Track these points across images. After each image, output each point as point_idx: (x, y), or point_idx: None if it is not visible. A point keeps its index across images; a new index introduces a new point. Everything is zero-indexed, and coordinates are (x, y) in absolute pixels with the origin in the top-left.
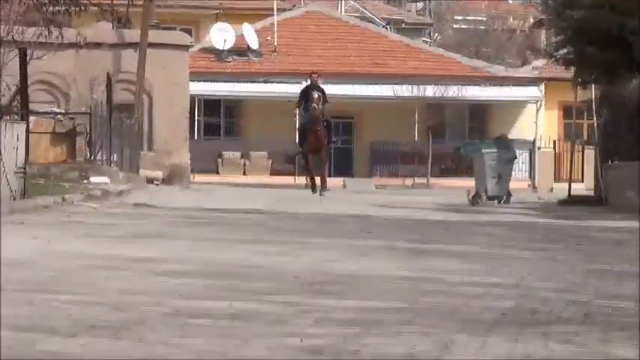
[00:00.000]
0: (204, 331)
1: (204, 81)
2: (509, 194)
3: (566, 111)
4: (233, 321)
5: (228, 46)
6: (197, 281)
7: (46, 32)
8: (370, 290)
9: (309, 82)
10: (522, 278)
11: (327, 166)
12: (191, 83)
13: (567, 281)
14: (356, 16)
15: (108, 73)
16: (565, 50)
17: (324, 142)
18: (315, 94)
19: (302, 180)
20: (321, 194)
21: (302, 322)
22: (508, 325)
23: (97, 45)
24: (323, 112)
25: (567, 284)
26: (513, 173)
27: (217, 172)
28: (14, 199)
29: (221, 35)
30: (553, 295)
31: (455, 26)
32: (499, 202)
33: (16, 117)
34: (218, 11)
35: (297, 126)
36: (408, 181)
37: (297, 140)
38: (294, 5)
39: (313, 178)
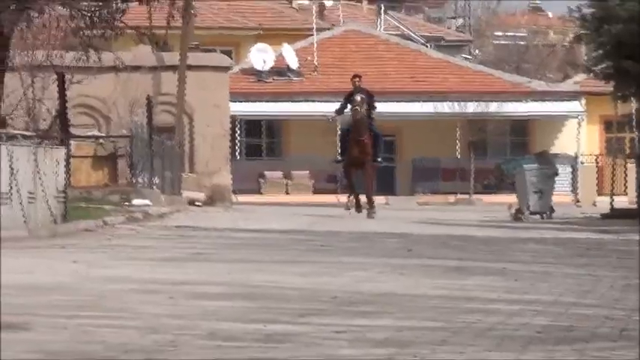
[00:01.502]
0: (237, 354)
1: (245, 101)
2: (551, 209)
3: (608, 125)
4: (267, 343)
5: (268, 66)
6: (233, 303)
7: (85, 57)
8: (407, 309)
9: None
10: (560, 294)
11: (372, 183)
12: (232, 104)
13: (606, 297)
14: (395, 34)
15: (148, 96)
16: (604, 65)
17: (369, 154)
18: (358, 97)
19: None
20: (368, 215)
21: (336, 343)
22: (543, 343)
23: (137, 68)
24: (369, 118)
25: (605, 300)
26: (556, 188)
27: (260, 192)
28: (55, 223)
29: (261, 56)
30: (590, 311)
31: (495, 42)
32: (541, 218)
33: (56, 141)
34: (258, 32)
35: (339, 132)
36: (451, 198)
37: (338, 149)
38: (334, 25)
39: (357, 197)
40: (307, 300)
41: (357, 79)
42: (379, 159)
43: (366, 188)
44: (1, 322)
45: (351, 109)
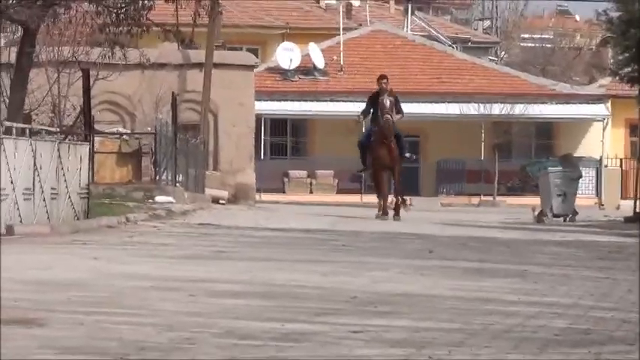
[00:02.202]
0: (253, 352)
1: (271, 100)
2: (574, 212)
3: (633, 128)
4: (284, 342)
5: (294, 65)
6: (252, 302)
7: (110, 53)
8: (425, 310)
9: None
10: (579, 297)
11: (400, 186)
12: (257, 103)
13: (624, 300)
14: (422, 35)
15: (173, 93)
16: (629, 68)
17: (398, 156)
18: (387, 101)
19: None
20: (394, 218)
21: (353, 343)
22: (560, 345)
23: (162, 65)
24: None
25: (624, 303)
26: (580, 191)
27: (284, 192)
28: (77, 219)
29: (287, 55)
30: (608, 314)
31: (521, 44)
32: (565, 220)
33: (79, 138)
34: (284, 31)
35: (360, 139)
36: (475, 200)
37: (360, 157)
38: (360, 25)
39: (386, 201)
40: (326, 299)
41: (384, 80)
42: (407, 154)
43: (395, 192)
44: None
45: (381, 115)
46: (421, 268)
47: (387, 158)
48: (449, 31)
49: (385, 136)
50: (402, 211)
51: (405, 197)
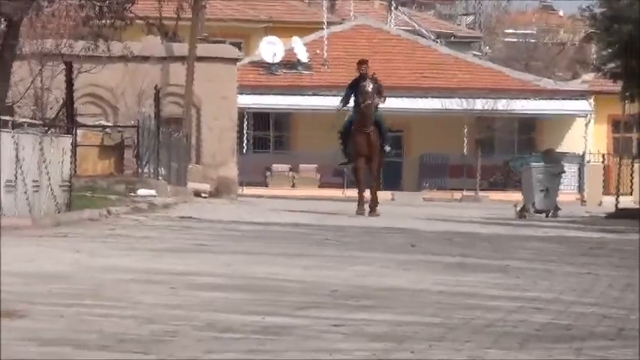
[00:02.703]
0: (234, 346)
1: (254, 94)
2: (557, 208)
3: (616, 124)
4: (264, 335)
5: (278, 59)
6: (233, 295)
7: (93, 46)
8: (406, 304)
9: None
10: (561, 292)
11: (379, 179)
12: (240, 96)
13: (605, 296)
14: (405, 30)
15: (156, 86)
16: (613, 64)
17: (377, 147)
18: (369, 87)
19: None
20: (370, 214)
21: (333, 336)
22: (541, 341)
23: (146, 58)
24: (376, 110)
25: (605, 299)
26: (562, 187)
27: (266, 186)
28: (59, 212)
29: (271, 48)
30: (589, 309)
31: (505, 40)
32: (547, 216)
33: (62, 130)
34: (268, 25)
35: (341, 128)
36: (457, 195)
37: (341, 146)
38: (344, 19)
39: (362, 195)
40: (307, 293)
41: (364, 65)
42: (387, 147)
43: (370, 185)
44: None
45: (362, 101)
46: (404, 262)
47: (365, 146)
48: (433, 26)
49: (364, 124)
50: (381, 205)
51: (377, 199)
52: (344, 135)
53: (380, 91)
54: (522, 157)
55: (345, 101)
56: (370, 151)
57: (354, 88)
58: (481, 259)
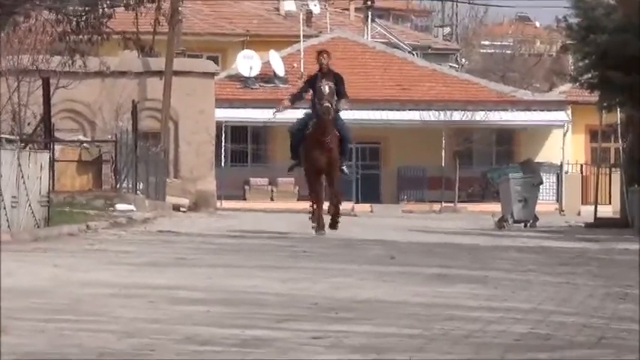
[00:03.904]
0: (214, 358)
1: (231, 108)
2: (535, 218)
3: (594, 134)
4: (244, 348)
5: (255, 72)
6: (213, 308)
7: (70, 61)
8: (386, 316)
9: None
10: (540, 302)
11: (339, 194)
12: (217, 110)
13: (585, 305)
14: (382, 42)
15: (133, 101)
16: (589, 75)
17: (337, 160)
18: (327, 87)
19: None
20: (331, 226)
21: (313, 349)
22: (521, 351)
23: (123, 73)
24: (336, 111)
25: (584, 308)
26: (541, 197)
27: (244, 199)
28: (38, 227)
29: (247, 62)
30: (569, 319)
31: (482, 51)
32: (525, 226)
33: (40, 146)
34: (244, 38)
35: (292, 127)
36: (436, 206)
37: (290, 149)
38: (321, 32)
39: (320, 211)
40: (286, 306)
41: (325, 55)
42: (344, 167)
43: (330, 201)
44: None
45: (318, 104)
46: (382, 274)
47: (322, 161)
48: (409, 39)
49: (323, 131)
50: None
51: (338, 215)
52: (294, 134)
53: (340, 90)
54: (500, 168)
55: (298, 98)
56: (328, 165)
57: (311, 84)
58: (460, 270)
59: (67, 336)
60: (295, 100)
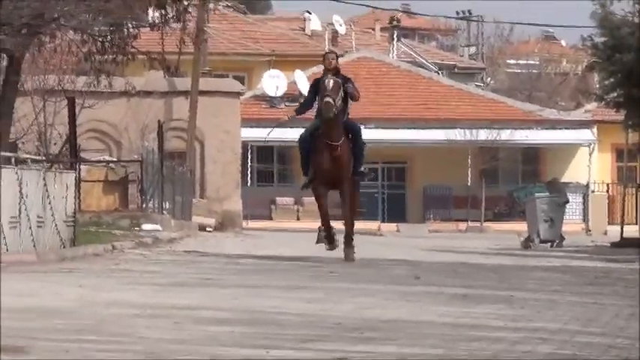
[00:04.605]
0: None
1: (257, 127)
2: (561, 238)
3: (620, 153)
4: None
5: (281, 92)
6: (237, 329)
7: (96, 81)
8: (411, 336)
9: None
10: (566, 322)
11: (355, 207)
12: (243, 130)
13: (611, 325)
14: (408, 62)
15: (159, 121)
16: (615, 93)
17: (348, 167)
18: (330, 82)
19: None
20: (346, 257)
21: None
22: None
23: (148, 93)
24: (344, 113)
25: (610, 328)
26: (567, 216)
27: (271, 218)
28: (64, 247)
29: (273, 82)
30: (595, 339)
31: (508, 70)
32: (551, 246)
33: (65, 166)
34: (270, 58)
35: (301, 136)
36: (462, 226)
37: (301, 164)
38: (346, 51)
39: (329, 227)
40: (310, 326)
41: (333, 55)
42: (363, 168)
43: (343, 214)
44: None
45: (320, 101)
46: (407, 294)
47: (330, 167)
48: (435, 58)
49: (329, 134)
50: (355, 251)
51: (352, 232)
52: (304, 146)
53: (349, 89)
54: (526, 188)
55: (306, 107)
56: (338, 171)
57: (316, 87)
58: (486, 290)
59: (92, 356)
60: (303, 108)
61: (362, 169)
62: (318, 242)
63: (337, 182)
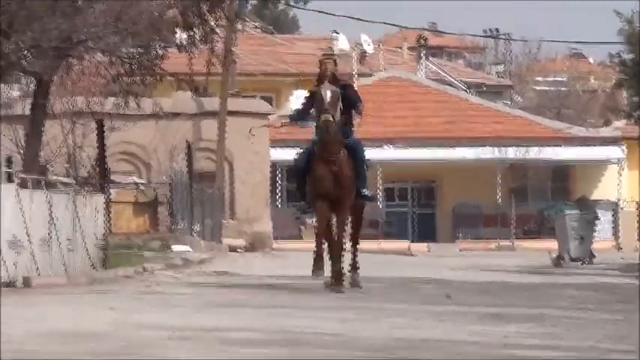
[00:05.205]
0: None
1: (286, 147)
2: (592, 255)
3: None
4: None
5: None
6: (270, 350)
7: (124, 103)
8: (444, 356)
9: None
10: (598, 340)
11: (357, 232)
12: (272, 150)
13: None
14: (435, 80)
15: (188, 142)
16: None
17: (350, 184)
18: (328, 93)
19: (391, 244)
20: (352, 284)
21: None
22: None
23: (177, 114)
24: (346, 126)
25: None
26: (597, 234)
27: (301, 239)
28: (94, 269)
29: (301, 102)
30: (627, 357)
31: (536, 88)
32: (582, 264)
33: (95, 188)
34: (298, 78)
35: (296, 157)
36: (492, 244)
37: (295, 188)
38: (374, 70)
39: (321, 253)
40: (344, 346)
41: (331, 59)
42: (365, 191)
43: (338, 238)
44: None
45: (318, 118)
46: (439, 313)
47: (330, 182)
48: (462, 76)
49: (327, 149)
50: (361, 280)
51: (356, 260)
52: (299, 168)
53: (349, 98)
54: (556, 205)
55: (300, 116)
56: (340, 188)
57: (313, 99)
58: (517, 309)
59: None
60: (297, 117)
61: (366, 191)
62: (316, 274)
63: (334, 198)
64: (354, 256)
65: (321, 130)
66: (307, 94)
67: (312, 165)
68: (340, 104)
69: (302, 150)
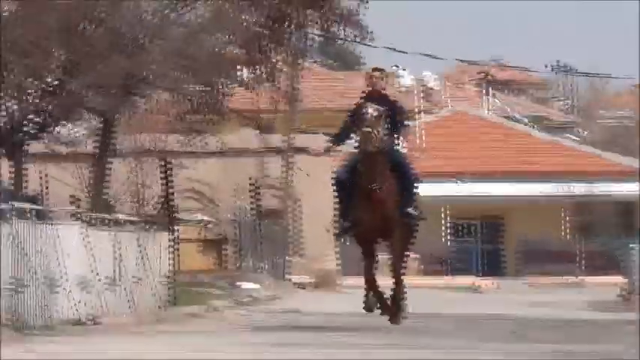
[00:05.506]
0: None
1: None
2: None
3: None
4: None
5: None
6: None
7: (189, 141)
8: None
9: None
10: None
11: (401, 262)
12: None
13: None
14: (500, 115)
15: (253, 179)
16: None
17: (395, 213)
18: (369, 109)
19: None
20: (391, 319)
21: None
22: None
23: (241, 151)
24: (393, 147)
25: None
26: None
27: None
28: (161, 307)
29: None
30: None
31: (601, 122)
32: None
33: (162, 226)
34: None
35: (337, 172)
36: (559, 280)
37: (338, 210)
38: (437, 106)
39: (373, 285)
40: None
41: (378, 73)
42: (410, 209)
43: (392, 270)
44: None
45: (359, 131)
46: (508, 353)
47: (373, 215)
48: (527, 111)
49: (369, 174)
50: (405, 310)
51: (400, 296)
52: (341, 187)
53: (395, 116)
54: (623, 240)
55: (342, 137)
56: (384, 222)
57: (355, 116)
58: (583, 345)
59: None
60: (339, 138)
61: (410, 209)
62: (367, 308)
63: (381, 234)
64: (398, 291)
65: (361, 142)
66: (349, 113)
67: (355, 192)
68: (386, 123)
69: (345, 163)
